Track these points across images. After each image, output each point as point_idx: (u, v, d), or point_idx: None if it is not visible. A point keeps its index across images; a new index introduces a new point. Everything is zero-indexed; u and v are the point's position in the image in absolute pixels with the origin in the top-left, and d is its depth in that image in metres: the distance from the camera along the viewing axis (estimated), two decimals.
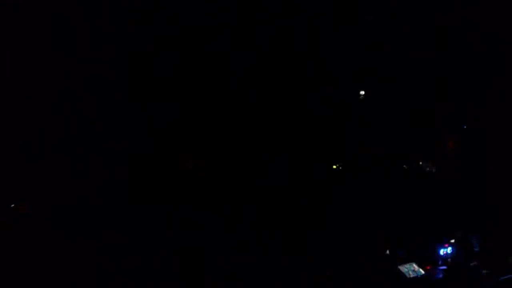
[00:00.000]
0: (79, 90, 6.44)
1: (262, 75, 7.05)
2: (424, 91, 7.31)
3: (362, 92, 7.46)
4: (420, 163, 7.23)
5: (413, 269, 5.49)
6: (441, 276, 5.51)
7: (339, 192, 6.83)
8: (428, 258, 5.65)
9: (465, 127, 7.28)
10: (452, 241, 5.78)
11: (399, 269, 5.48)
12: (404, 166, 7.25)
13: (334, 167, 7.22)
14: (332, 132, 7.24)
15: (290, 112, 7.16)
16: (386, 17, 7.18)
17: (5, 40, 5.94)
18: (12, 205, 5.90)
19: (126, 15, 6.45)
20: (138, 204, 6.31)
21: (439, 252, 5.65)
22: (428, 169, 7.16)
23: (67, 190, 6.21)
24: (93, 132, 6.48)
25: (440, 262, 5.64)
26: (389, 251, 5.78)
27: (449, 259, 5.63)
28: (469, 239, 5.84)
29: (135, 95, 6.65)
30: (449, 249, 5.67)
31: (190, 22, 6.71)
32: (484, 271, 5.42)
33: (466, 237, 5.84)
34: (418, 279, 5.40)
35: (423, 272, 5.48)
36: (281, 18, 6.90)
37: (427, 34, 7.15)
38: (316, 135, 7.19)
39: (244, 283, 5.38)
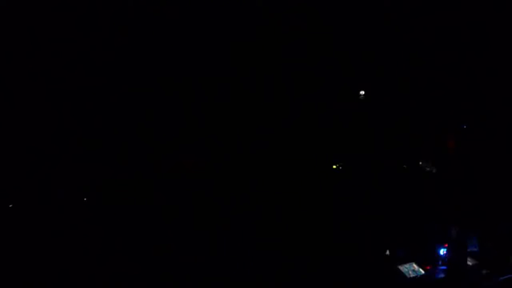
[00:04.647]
0: (79, 89, 6.44)
1: (262, 75, 7.05)
2: (424, 91, 7.30)
3: (362, 92, 7.45)
4: (420, 163, 7.23)
5: (413, 269, 5.50)
6: (441, 276, 5.51)
7: (339, 192, 6.83)
8: (428, 258, 5.65)
9: (465, 127, 7.27)
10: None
11: (399, 269, 5.49)
12: (404, 166, 7.25)
13: (334, 167, 7.21)
14: (332, 132, 7.24)
15: (290, 112, 7.15)
16: (386, 17, 7.17)
17: (5, 40, 5.95)
18: (11, 205, 5.90)
19: (126, 15, 6.45)
20: (138, 204, 6.31)
21: (439, 252, 5.66)
22: (428, 169, 7.15)
23: (67, 190, 6.21)
24: (93, 132, 6.48)
25: (440, 262, 5.64)
26: (389, 251, 5.78)
27: (445, 260, 5.63)
28: (465, 239, 5.83)
29: (135, 95, 6.65)
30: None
31: (189, 22, 6.71)
32: (484, 271, 5.42)
33: (460, 237, 5.83)
34: (418, 279, 5.41)
35: (423, 272, 5.48)
36: (280, 18, 6.90)
37: (427, 33, 7.15)
38: (316, 134, 7.19)
39: (244, 283, 5.37)
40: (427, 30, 7.13)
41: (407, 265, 5.54)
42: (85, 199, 6.25)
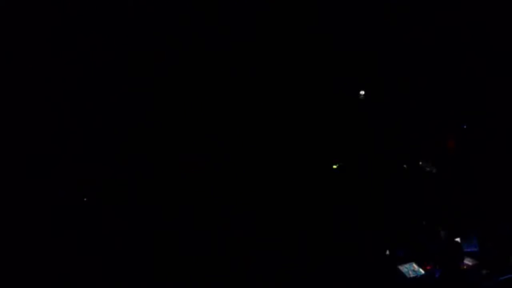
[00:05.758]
0: (79, 89, 6.44)
1: (263, 74, 7.05)
2: (424, 91, 7.30)
3: (362, 92, 7.45)
4: (420, 163, 7.22)
5: (413, 269, 5.50)
6: (441, 276, 5.51)
7: (339, 192, 6.83)
8: (428, 258, 5.65)
9: (465, 127, 7.27)
10: (458, 239, 5.78)
11: (399, 269, 5.48)
12: (404, 166, 7.24)
13: (334, 167, 7.21)
14: (332, 132, 7.24)
15: (290, 112, 7.16)
16: (386, 16, 7.17)
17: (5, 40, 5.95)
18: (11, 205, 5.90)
19: (126, 15, 6.45)
20: (140, 204, 6.32)
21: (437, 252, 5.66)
22: (428, 169, 7.15)
23: (68, 190, 6.21)
24: (93, 132, 6.48)
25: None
26: (389, 251, 5.78)
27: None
28: (460, 239, 5.82)
29: (137, 94, 6.65)
30: None
31: (190, 22, 6.72)
32: (484, 271, 5.42)
33: (451, 238, 5.83)
34: (418, 279, 5.41)
35: (423, 272, 5.48)
36: (280, 17, 6.90)
37: (427, 33, 7.15)
38: (316, 134, 7.19)
39: (244, 283, 5.38)
40: (427, 30, 7.13)
41: (407, 265, 5.53)
42: (85, 199, 6.25)
